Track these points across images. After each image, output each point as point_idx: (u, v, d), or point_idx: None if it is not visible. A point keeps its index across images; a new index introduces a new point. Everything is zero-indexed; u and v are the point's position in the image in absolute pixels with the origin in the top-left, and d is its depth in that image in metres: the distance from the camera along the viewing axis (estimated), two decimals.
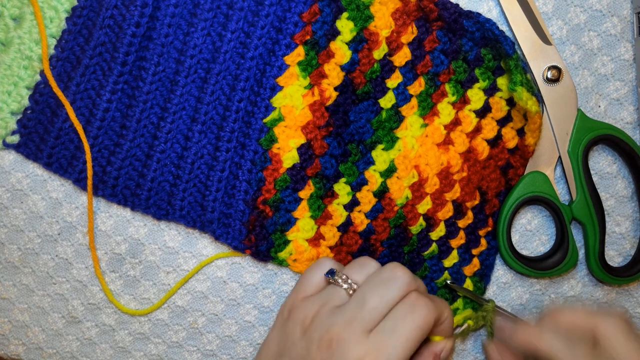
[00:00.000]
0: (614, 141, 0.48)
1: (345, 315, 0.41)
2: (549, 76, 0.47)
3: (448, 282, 0.48)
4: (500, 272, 0.50)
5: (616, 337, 0.40)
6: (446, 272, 0.49)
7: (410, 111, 0.48)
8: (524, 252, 0.50)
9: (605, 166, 0.50)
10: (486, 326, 0.48)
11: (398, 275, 0.42)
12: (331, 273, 0.43)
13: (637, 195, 0.50)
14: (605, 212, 0.49)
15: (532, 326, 0.42)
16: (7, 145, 0.48)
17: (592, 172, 0.49)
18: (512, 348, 0.44)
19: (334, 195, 0.48)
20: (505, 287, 0.50)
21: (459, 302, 0.49)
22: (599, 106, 0.49)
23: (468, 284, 0.49)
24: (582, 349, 0.40)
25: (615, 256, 0.50)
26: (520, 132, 0.48)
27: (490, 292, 0.50)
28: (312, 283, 0.44)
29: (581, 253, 0.50)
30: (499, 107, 0.48)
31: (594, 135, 0.47)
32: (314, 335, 0.41)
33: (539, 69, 0.47)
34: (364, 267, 0.44)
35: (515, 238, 0.50)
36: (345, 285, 0.42)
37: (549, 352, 0.40)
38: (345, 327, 0.40)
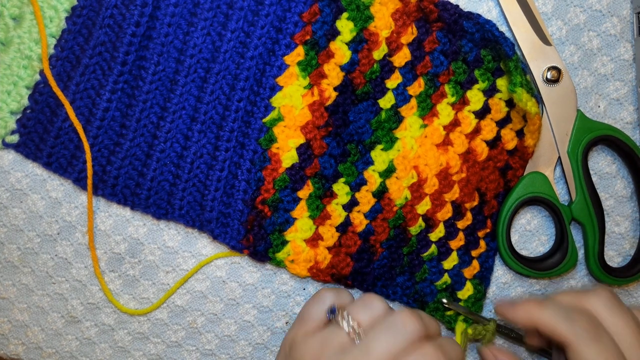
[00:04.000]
0: (614, 141, 0.48)
1: None
2: (549, 77, 0.47)
3: (444, 301, 0.48)
4: (500, 272, 0.50)
5: (602, 308, 0.40)
6: (446, 274, 0.49)
7: (410, 112, 0.48)
8: (524, 253, 0.50)
9: (604, 166, 0.50)
10: (482, 341, 0.47)
11: (408, 323, 0.40)
12: (332, 312, 0.42)
13: (636, 195, 0.49)
14: (605, 212, 0.49)
15: (533, 302, 0.42)
16: (7, 145, 0.48)
17: (591, 172, 0.49)
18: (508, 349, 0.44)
19: (332, 195, 0.48)
20: (505, 287, 0.50)
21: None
22: (599, 106, 0.49)
23: (468, 287, 0.49)
24: (580, 320, 0.40)
25: (615, 256, 0.50)
26: (520, 134, 0.48)
27: (490, 292, 0.50)
28: (313, 318, 0.43)
29: (581, 253, 0.50)
30: (499, 108, 0.48)
31: (594, 136, 0.47)
32: None
33: (538, 70, 0.47)
34: (369, 307, 0.41)
35: (514, 238, 0.50)
36: (346, 327, 0.40)
37: (550, 324, 0.40)
38: None
